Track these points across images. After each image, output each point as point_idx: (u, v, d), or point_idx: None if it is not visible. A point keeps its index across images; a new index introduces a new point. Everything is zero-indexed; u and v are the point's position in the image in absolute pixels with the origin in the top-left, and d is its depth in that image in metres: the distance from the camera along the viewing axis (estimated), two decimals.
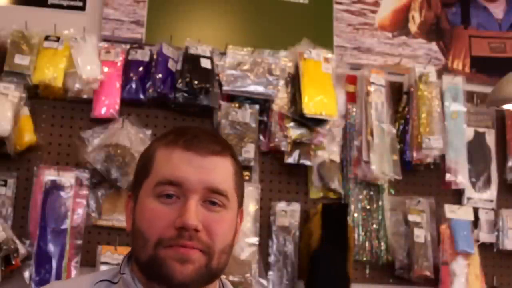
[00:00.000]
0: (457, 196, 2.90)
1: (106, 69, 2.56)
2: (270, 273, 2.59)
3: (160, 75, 2.56)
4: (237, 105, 2.64)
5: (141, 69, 2.59)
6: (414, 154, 2.77)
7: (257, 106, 2.67)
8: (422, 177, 2.88)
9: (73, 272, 2.35)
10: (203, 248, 1.02)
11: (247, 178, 2.63)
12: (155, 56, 2.62)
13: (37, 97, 2.52)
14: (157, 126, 2.61)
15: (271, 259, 2.61)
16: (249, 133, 2.63)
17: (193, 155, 1.05)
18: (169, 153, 1.07)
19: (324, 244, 2.51)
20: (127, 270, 1.09)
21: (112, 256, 2.39)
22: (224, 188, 1.06)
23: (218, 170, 1.07)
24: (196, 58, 2.61)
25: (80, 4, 2.74)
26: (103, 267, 2.35)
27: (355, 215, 2.74)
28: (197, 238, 1.02)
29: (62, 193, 2.39)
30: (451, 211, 2.79)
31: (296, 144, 2.65)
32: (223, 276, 1.19)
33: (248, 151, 2.60)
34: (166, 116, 2.62)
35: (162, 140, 1.10)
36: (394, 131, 2.81)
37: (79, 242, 2.40)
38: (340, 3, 3.01)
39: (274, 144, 2.63)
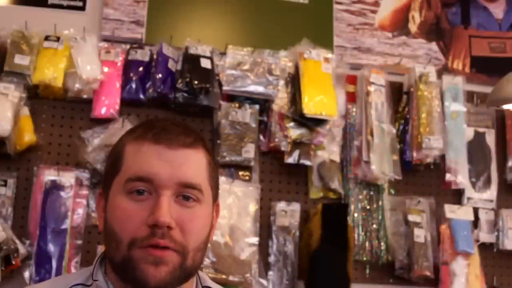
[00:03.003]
0: (457, 196, 2.90)
1: (106, 69, 2.56)
2: (270, 273, 2.59)
3: (160, 75, 2.56)
4: (237, 105, 2.64)
5: (141, 69, 2.59)
6: (414, 154, 2.77)
7: (257, 106, 2.67)
8: (422, 177, 2.88)
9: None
10: (177, 248, 0.99)
11: (247, 178, 2.63)
12: (155, 56, 2.62)
13: (37, 97, 2.52)
14: None
15: (271, 259, 2.61)
16: (249, 133, 2.63)
17: (163, 149, 1.01)
18: (138, 148, 1.02)
19: (324, 244, 2.51)
20: (100, 275, 1.06)
21: None
22: (197, 181, 1.02)
23: (190, 163, 1.02)
24: (196, 58, 2.61)
25: (80, 4, 2.74)
26: None
27: (355, 215, 2.74)
28: (170, 237, 0.98)
29: (62, 193, 2.39)
30: (451, 211, 2.79)
31: (296, 144, 2.65)
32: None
33: (248, 151, 2.60)
34: (166, 116, 2.62)
35: (131, 135, 1.06)
36: (394, 131, 2.81)
37: (79, 242, 2.40)
38: (340, 3, 3.01)
39: (274, 144, 2.63)
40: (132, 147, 1.03)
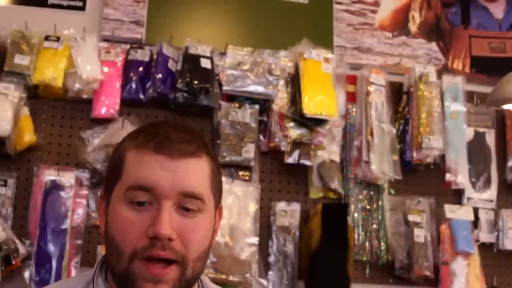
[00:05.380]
0: (457, 196, 2.90)
1: (106, 69, 2.56)
2: (270, 273, 2.59)
3: (160, 75, 2.56)
4: (237, 105, 2.64)
5: (141, 69, 2.60)
6: (414, 154, 2.77)
7: (257, 106, 2.67)
8: (422, 177, 2.88)
9: (73, 272, 2.35)
10: (177, 258, 0.98)
11: (247, 178, 2.63)
12: (155, 56, 2.62)
13: (37, 97, 2.52)
14: None
15: (271, 259, 2.61)
16: (249, 133, 2.63)
17: (164, 159, 0.99)
18: (139, 157, 1.01)
19: (324, 244, 2.51)
20: (100, 282, 1.05)
21: None
22: (199, 191, 1.00)
23: (192, 173, 1.00)
24: (196, 58, 2.61)
25: (80, 4, 2.74)
26: None
27: (355, 215, 2.74)
28: (171, 248, 0.97)
29: (62, 193, 2.39)
30: (451, 211, 2.79)
31: (296, 144, 2.65)
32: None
33: (248, 151, 2.60)
34: (166, 116, 2.62)
35: (133, 141, 1.04)
36: (394, 131, 2.81)
37: (79, 242, 2.40)
38: (340, 3, 3.01)
39: (274, 144, 2.63)
40: (134, 155, 1.02)
